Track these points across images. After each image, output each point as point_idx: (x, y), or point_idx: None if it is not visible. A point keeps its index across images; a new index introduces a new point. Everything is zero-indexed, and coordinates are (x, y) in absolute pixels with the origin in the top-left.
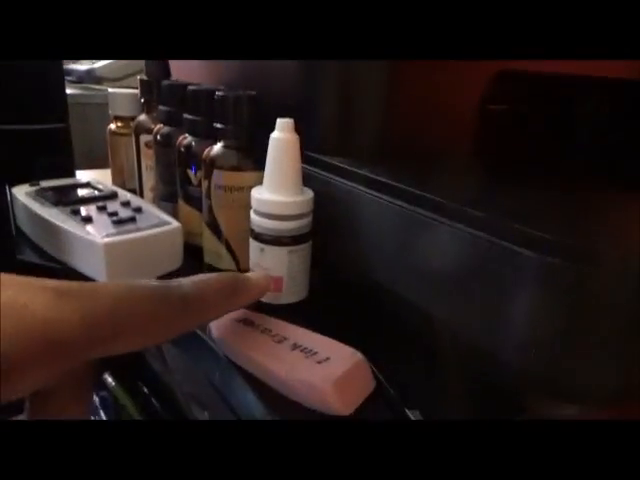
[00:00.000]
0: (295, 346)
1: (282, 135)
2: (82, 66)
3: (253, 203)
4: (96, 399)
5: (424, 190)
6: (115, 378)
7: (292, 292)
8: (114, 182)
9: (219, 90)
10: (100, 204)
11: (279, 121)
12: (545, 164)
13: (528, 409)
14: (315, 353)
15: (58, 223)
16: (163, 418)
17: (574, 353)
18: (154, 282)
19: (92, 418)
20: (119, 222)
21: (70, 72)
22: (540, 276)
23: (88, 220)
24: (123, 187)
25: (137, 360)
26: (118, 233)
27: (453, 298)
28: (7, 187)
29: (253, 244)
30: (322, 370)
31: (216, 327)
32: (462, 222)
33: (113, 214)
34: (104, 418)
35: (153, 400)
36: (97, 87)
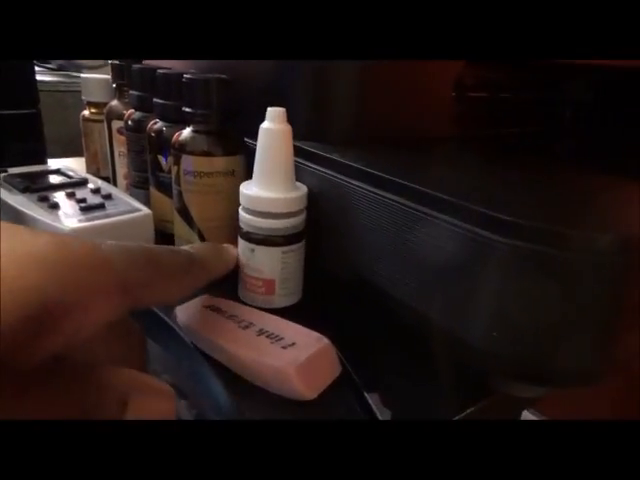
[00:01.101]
0: (261, 332)
1: (273, 125)
2: None
3: (242, 199)
4: None
5: (398, 177)
6: None
7: (285, 295)
8: (88, 170)
9: (188, 73)
10: (69, 191)
11: (270, 110)
12: (520, 150)
13: (496, 391)
14: (281, 339)
15: (25, 210)
16: None
17: (540, 336)
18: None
19: None
20: (87, 209)
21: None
22: (506, 260)
23: (55, 207)
24: (97, 174)
25: None
26: (86, 220)
27: (429, 286)
28: None
29: (242, 244)
30: (287, 355)
31: (182, 313)
32: (435, 210)
33: (81, 201)
34: None
35: None
36: (77, 75)
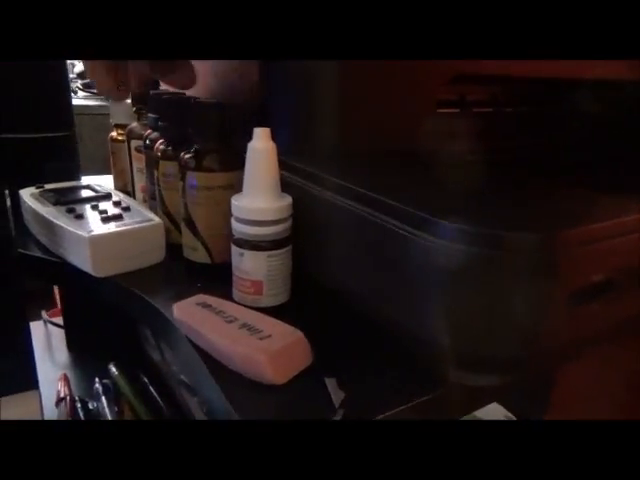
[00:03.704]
0: (243, 325)
1: (259, 144)
2: None
3: (233, 210)
4: (98, 386)
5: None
6: (118, 368)
7: (272, 295)
8: (116, 185)
9: (190, 99)
10: (94, 203)
11: (256, 130)
12: (498, 164)
13: (447, 381)
14: (260, 331)
15: (54, 220)
16: (159, 405)
17: (479, 328)
18: None
19: (94, 404)
20: (107, 219)
21: (94, 85)
22: (448, 260)
23: (80, 217)
24: (124, 190)
25: (139, 352)
26: (104, 228)
27: (392, 288)
28: (7, 191)
29: (233, 249)
30: (261, 344)
31: (177, 309)
32: (388, 215)
33: (103, 212)
34: (104, 404)
35: (151, 388)
36: None
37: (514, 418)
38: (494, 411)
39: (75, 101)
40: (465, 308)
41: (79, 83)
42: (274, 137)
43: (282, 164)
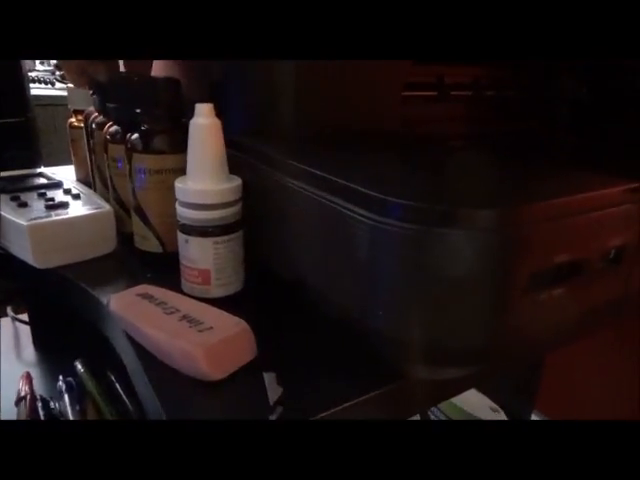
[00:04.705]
0: (184, 317)
1: (201, 120)
2: None
3: (177, 193)
4: (62, 384)
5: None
6: (84, 365)
7: (222, 285)
8: (78, 175)
9: (137, 76)
10: (41, 191)
11: (197, 106)
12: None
13: (405, 374)
14: (201, 323)
15: None
16: (125, 404)
17: (430, 317)
18: None
19: (56, 404)
20: (52, 207)
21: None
22: (396, 241)
23: (23, 205)
24: (87, 179)
25: (106, 349)
26: (46, 216)
27: (340, 275)
28: None
29: (179, 236)
30: (198, 337)
31: (115, 301)
32: (338, 196)
33: (49, 200)
34: (67, 402)
35: (117, 386)
36: None
37: (499, 409)
38: (479, 402)
39: (52, 92)
40: (419, 294)
41: (57, 74)
42: (226, 116)
43: (233, 144)
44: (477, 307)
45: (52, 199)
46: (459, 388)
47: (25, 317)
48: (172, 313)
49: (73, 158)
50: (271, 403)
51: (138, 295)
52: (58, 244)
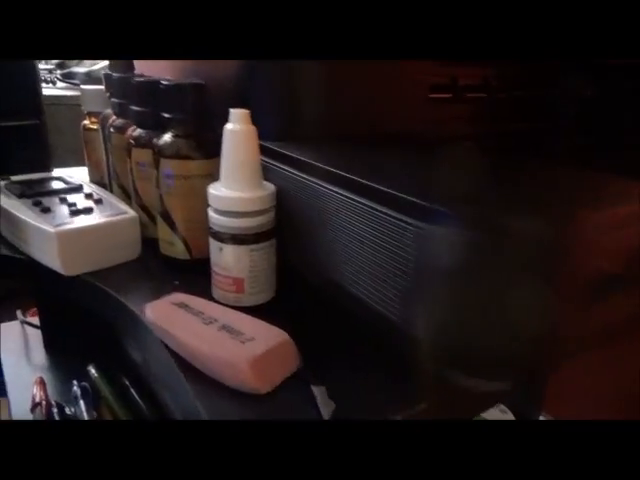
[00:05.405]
0: (223, 327)
1: (237, 127)
2: (83, 69)
3: (210, 200)
4: (76, 389)
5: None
6: (98, 370)
7: (255, 293)
8: (91, 178)
9: (164, 80)
10: (62, 196)
11: (232, 112)
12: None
13: (440, 383)
14: (242, 334)
15: (18, 214)
16: (142, 409)
17: (481, 326)
18: None
19: (72, 409)
20: (76, 212)
21: (74, 75)
22: (448, 251)
23: (47, 211)
24: (101, 182)
25: (120, 353)
26: (72, 222)
27: (386, 285)
28: None
29: (212, 243)
30: (243, 349)
31: (150, 310)
32: (387, 207)
33: (72, 205)
34: (83, 408)
35: (132, 391)
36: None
37: (507, 410)
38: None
39: (53, 92)
40: (466, 304)
41: (58, 73)
42: (255, 121)
43: (263, 150)
44: (528, 316)
45: (75, 204)
46: (499, 398)
47: (33, 320)
48: (210, 323)
49: (87, 161)
50: (326, 418)
51: (173, 304)
52: (85, 251)
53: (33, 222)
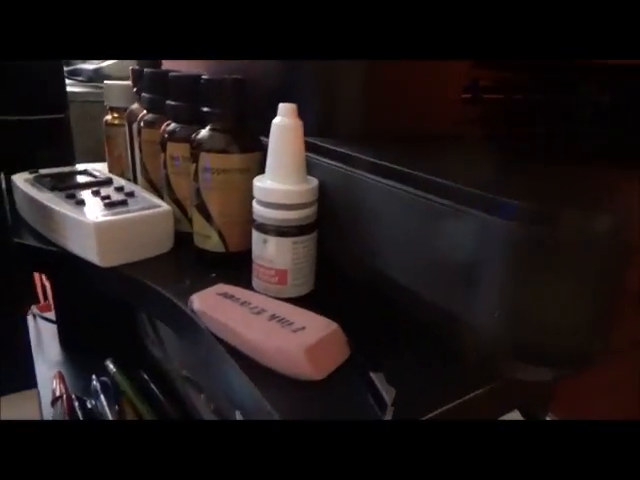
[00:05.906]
0: (273, 317)
1: (284, 120)
2: (90, 65)
3: (255, 192)
4: (96, 384)
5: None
6: (116, 365)
7: (298, 285)
8: (111, 173)
9: (203, 75)
10: (94, 189)
11: (281, 106)
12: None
13: (500, 375)
14: (291, 323)
15: (53, 206)
16: (161, 403)
17: (541, 316)
18: None
19: (92, 402)
20: (111, 205)
21: (80, 72)
22: (506, 241)
23: (81, 203)
24: (122, 176)
25: (138, 347)
26: (109, 214)
27: (436, 273)
28: (1, 174)
29: (256, 235)
30: (296, 338)
31: (197, 300)
32: (441, 197)
33: (105, 197)
34: (104, 402)
35: (152, 385)
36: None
37: (517, 412)
38: None
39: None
40: (525, 293)
41: (65, 70)
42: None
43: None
44: (587, 310)
45: (108, 197)
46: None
47: (46, 315)
48: (259, 313)
49: (107, 156)
50: (389, 403)
51: (219, 295)
52: (122, 243)
53: (71, 214)
